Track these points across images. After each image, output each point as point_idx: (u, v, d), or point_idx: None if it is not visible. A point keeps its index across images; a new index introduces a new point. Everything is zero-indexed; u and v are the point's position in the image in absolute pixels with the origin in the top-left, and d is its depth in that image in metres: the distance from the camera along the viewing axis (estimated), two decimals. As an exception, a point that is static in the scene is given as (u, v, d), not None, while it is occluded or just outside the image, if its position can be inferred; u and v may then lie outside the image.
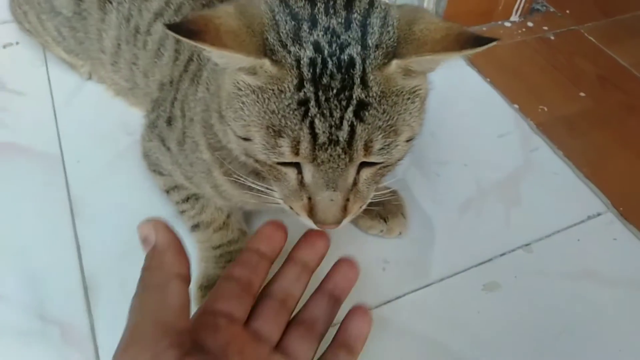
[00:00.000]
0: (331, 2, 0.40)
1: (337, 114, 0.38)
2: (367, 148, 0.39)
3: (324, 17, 0.39)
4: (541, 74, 1.01)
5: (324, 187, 0.41)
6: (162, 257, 0.37)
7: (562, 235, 0.72)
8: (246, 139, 0.41)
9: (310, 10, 0.39)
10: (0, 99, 0.81)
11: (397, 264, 0.67)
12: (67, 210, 0.68)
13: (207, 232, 0.63)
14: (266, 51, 0.38)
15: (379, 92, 0.38)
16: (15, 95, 0.82)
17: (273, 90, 0.38)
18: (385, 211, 0.68)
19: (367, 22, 0.40)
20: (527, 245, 0.71)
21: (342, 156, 0.39)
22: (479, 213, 0.74)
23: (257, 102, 0.39)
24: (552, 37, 1.10)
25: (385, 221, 0.68)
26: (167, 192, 0.66)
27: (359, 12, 0.40)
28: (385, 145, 0.40)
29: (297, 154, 0.39)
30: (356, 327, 0.43)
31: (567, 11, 1.17)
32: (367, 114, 0.38)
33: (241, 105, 0.40)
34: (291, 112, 0.38)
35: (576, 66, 1.04)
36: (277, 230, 0.46)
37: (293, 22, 0.39)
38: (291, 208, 0.44)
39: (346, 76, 0.38)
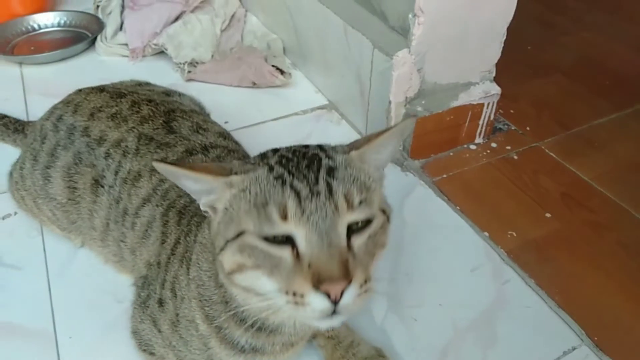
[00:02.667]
0: (289, 146, 0.53)
1: (311, 176, 0.46)
2: (348, 201, 0.46)
3: (284, 148, 0.53)
4: (508, 196, 1.07)
5: (320, 243, 0.43)
6: None
7: (540, 376, 0.75)
8: (239, 234, 0.47)
9: (272, 149, 0.53)
10: (-2, 276, 0.86)
11: None
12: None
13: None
14: (232, 174, 0.49)
15: (343, 162, 0.49)
16: (12, 270, 0.87)
17: (250, 183, 0.48)
18: None
19: (321, 145, 0.53)
20: (505, 392, 0.73)
21: (327, 204, 0.45)
22: (457, 358, 0.77)
23: (242, 199, 0.48)
24: (515, 157, 1.18)
25: None
26: (156, 372, 0.69)
27: (313, 144, 0.53)
28: (362, 199, 0.47)
29: (285, 217, 0.45)
30: None
31: (528, 128, 1.26)
32: (337, 173, 0.47)
33: (231, 215, 0.49)
34: (271, 186, 0.46)
35: (540, 185, 1.10)
36: None
37: (259, 156, 0.53)
38: (294, 295, 0.44)
39: (312, 159, 0.49)
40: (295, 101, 1.30)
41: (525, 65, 1.50)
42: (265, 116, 1.25)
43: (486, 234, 0.98)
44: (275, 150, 0.53)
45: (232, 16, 1.49)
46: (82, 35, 1.52)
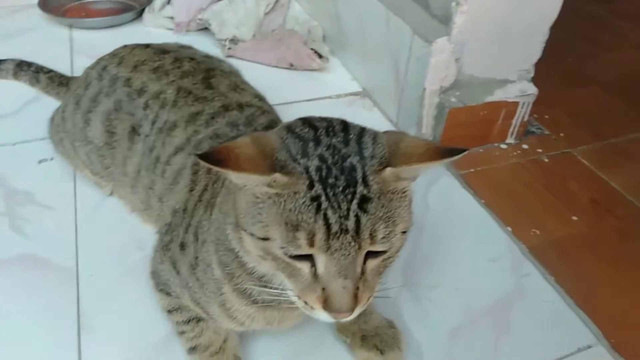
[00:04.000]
0: (330, 127, 0.51)
1: (344, 206, 0.46)
2: (372, 237, 0.46)
3: (325, 138, 0.49)
4: (535, 196, 1.06)
5: (337, 275, 0.46)
6: None
7: (551, 368, 0.73)
8: (265, 239, 0.48)
9: (313, 133, 0.50)
10: (27, 212, 0.89)
11: (384, 394, 0.68)
12: (75, 328, 0.73)
13: (203, 356, 0.67)
14: (276, 167, 0.47)
15: (377, 190, 0.46)
16: (42, 208, 0.90)
17: (288, 193, 0.46)
18: (382, 343, 0.71)
19: (362, 140, 0.49)
20: (515, 378, 0.72)
21: (352, 243, 0.46)
22: (469, 340, 0.76)
23: (275, 205, 0.47)
24: (546, 160, 1.16)
25: (382, 353, 0.70)
26: (170, 312, 0.71)
27: (354, 133, 0.50)
28: (386, 235, 0.47)
29: (312, 245, 0.46)
30: None
31: (561, 134, 1.25)
32: (369, 206, 0.46)
33: (259, 210, 0.48)
34: (306, 208, 0.46)
35: (569, 189, 1.08)
36: None
37: (300, 142, 0.49)
38: (306, 303, 0.49)
39: (349, 177, 0.46)
40: (329, 86, 1.31)
41: (564, 75, 1.48)
42: (299, 96, 1.26)
43: (509, 228, 0.97)
44: (316, 140, 0.49)
45: (277, 1, 1.51)
46: (132, 7, 1.56)
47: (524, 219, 1.00)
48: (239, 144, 0.48)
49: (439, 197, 1.01)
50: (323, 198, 0.46)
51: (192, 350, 0.68)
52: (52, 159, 1.00)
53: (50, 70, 1.16)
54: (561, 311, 0.82)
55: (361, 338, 0.71)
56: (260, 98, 0.85)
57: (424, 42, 1.01)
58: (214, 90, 0.80)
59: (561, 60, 1.54)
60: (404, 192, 0.50)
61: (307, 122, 0.52)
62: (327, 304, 0.48)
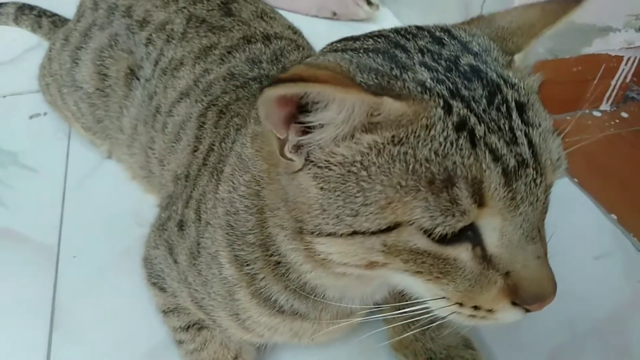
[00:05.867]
0: (402, 32, 0.35)
1: (504, 124, 0.30)
2: (552, 160, 0.31)
3: (408, 42, 0.34)
4: (644, 176, 0.83)
5: (525, 240, 0.31)
6: None
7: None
8: (391, 228, 0.29)
9: (386, 42, 0.34)
10: (8, 175, 0.74)
11: None
12: (46, 327, 0.56)
13: (206, 377, 0.49)
14: (384, 92, 0.29)
15: (524, 88, 0.33)
16: (26, 171, 0.75)
17: (413, 133, 0.28)
18: None
19: (453, 34, 0.35)
20: None
21: (538, 180, 0.30)
22: (573, 369, 0.55)
23: (396, 160, 0.29)
24: (654, 132, 0.92)
25: None
26: (165, 313, 0.53)
27: (436, 30, 0.35)
28: (559, 153, 0.32)
29: (482, 202, 0.29)
30: None
31: (670, 101, 1.00)
32: (530, 114, 0.31)
33: (362, 184, 0.29)
34: (454, 144, 0.29)
35: (688, 169, 0.85)
36: None
37: (380, 55, 0.32)
38: (475, 308, 0.32)
39: (483, 82, 0.31)
40: (379, 39, 1.10)
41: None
42: (342, 50, 1.06)
43: (614, 216, 0.75)
44: (400, 47, 0.33)
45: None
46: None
47: (632, 204, 0.78)
48: (322, 64, 0.31)
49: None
50: (473, 120, 0.29)
51: (192, 366, 0.50)
52: (45, 114, 0.84)
53: (54, 15, 1.00)
54: (700, 333, 0.60)
55: (427, 361, 0.52)
56: (295, 31, 0.66)
57: (509, -28, 0.79)
58: (233, 18, 0.61)
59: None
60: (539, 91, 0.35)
61: (359, 36, 0.35)
62: (519, 294, 0.31)
